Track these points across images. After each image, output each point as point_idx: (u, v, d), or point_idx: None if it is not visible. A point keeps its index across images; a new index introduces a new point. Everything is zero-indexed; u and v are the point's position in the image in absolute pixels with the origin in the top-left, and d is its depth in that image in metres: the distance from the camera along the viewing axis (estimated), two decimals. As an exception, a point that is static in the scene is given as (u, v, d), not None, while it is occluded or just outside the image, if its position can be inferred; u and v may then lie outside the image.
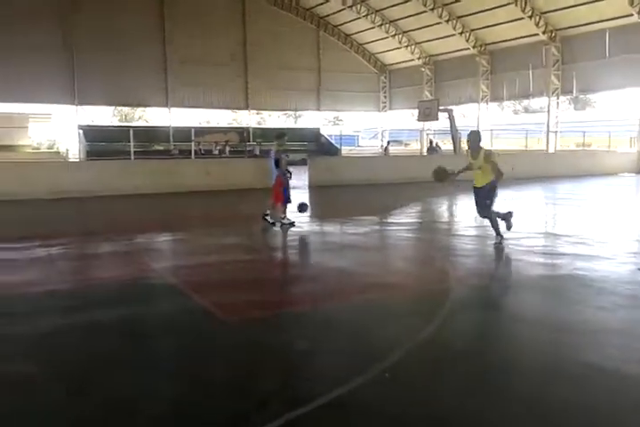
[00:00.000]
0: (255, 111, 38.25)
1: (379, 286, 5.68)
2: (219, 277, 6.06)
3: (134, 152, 17.66)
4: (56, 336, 4.24)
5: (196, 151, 20.67)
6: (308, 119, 44.10)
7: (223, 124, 40.23)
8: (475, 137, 7.28)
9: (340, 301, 5.22)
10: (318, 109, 38.54)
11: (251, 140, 31.73)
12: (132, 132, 18.06)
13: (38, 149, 34.45)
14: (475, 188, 7.29)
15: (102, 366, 3.72)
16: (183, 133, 29.32)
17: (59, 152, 32.54)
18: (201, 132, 32.42)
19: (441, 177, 7.50)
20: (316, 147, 32.18)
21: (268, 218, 9.01)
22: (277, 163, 8.90)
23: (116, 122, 47.83)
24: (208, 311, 4.76)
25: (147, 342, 4.18)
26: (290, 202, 9.10)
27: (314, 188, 16.32)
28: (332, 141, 33.49)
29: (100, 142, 28.55)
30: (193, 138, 20.12)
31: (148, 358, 3.86)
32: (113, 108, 44.24)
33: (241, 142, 30.56)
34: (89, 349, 4.03)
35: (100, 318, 4.65)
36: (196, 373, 3.61)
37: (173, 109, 34.13)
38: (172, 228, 9.77)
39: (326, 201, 14.36)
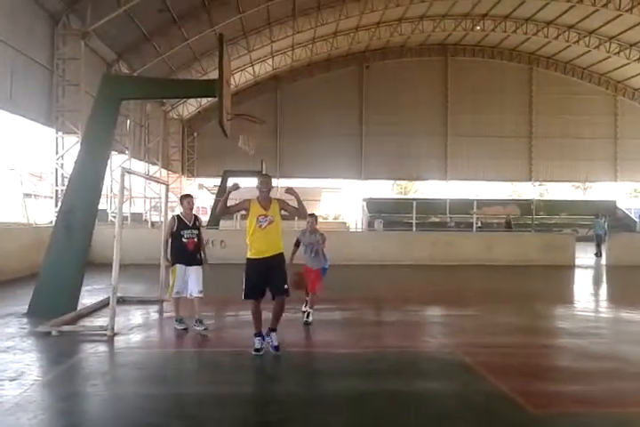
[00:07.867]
0: (538, 183, 36.56)
1: None
2: (517, 361, 5.63)
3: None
4: (359, 401, 4.40)
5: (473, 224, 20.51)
6: (599, 191, 40.40)
7: (501, 196, 39.44)
8: None
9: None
10: (614, 180, 35.08)
11: (533, 213, 30.30)
12: (414, 204, 18.74)
13: (326, 219, 38.60)
14: None
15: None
16: (459, 205, 29.68)
17: (344, 222, 35.95)
18: (478, 204, 32.30)
19: None
20: (612, 222, 28.92)
21: None
22: None
23: (394, 195, 50.94)
24: (509, 398, 4.40)
25: (446, 423, 4.02)
26: None
27: (612, 267, 14.53)
28: (631, 216, 29.76)
29: (381, 213, 30.57)
30: (474, 210, 19.98)
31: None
32: (393, 181, 47.32)
33: (522, 215, 29.32)
34: (392, 417, 4.07)
35: (397, 387, 4.72)
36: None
37: (450, 182, 35.00)
38: (454, 301, 9.63)
39: (628, 284, 12.56)
